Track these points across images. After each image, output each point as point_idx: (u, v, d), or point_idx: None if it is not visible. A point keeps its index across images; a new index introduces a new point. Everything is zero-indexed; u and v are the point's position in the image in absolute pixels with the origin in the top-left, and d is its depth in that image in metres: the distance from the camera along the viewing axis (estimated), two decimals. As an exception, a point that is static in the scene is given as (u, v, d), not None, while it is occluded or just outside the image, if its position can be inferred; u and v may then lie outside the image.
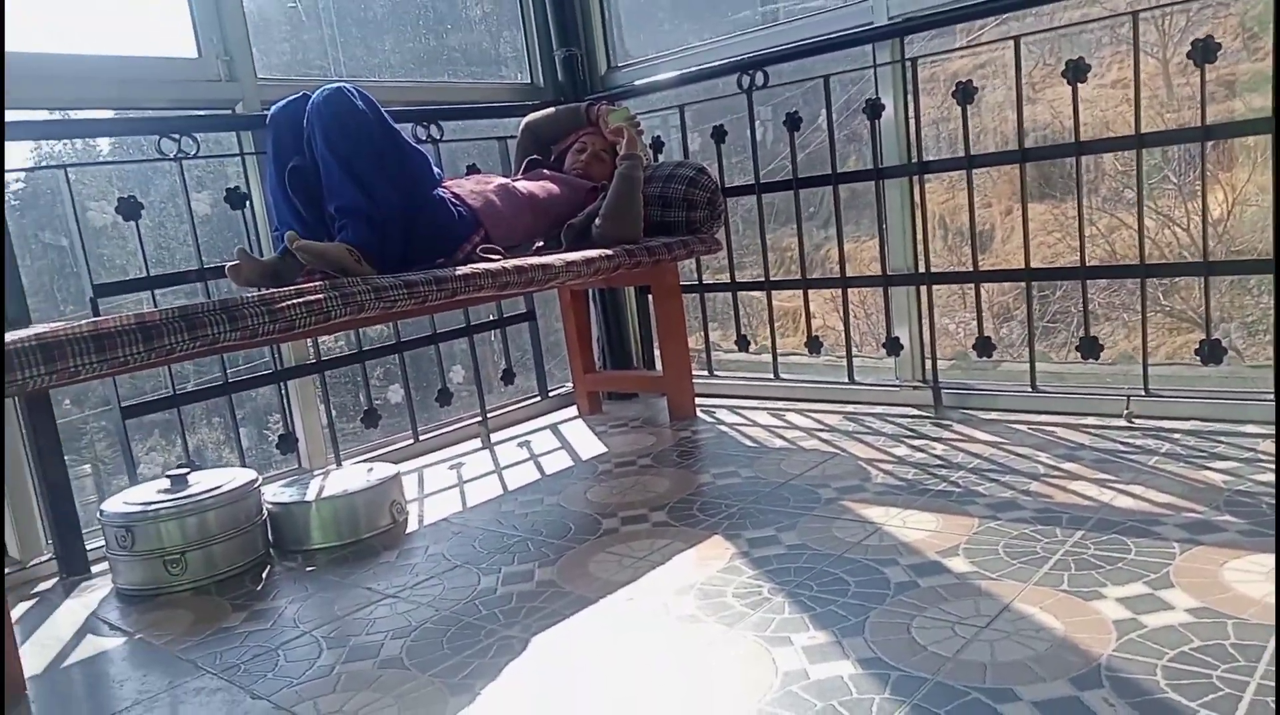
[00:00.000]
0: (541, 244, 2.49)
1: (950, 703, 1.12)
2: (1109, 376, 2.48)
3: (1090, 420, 2.24)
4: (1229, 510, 1.60)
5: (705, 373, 3.02)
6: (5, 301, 1.94)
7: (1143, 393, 2.22)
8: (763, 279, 2.81)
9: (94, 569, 2.03)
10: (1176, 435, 2.06)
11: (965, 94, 2.31)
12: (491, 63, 3.49)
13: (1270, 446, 1.91)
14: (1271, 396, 2.07)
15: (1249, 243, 3.86)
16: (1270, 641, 1.17)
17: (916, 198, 2.47)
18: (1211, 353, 2.12)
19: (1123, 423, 2.19)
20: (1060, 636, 1.25)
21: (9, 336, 1.42)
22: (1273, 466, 1.79)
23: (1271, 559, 1.40)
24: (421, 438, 2.74)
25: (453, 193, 2.20)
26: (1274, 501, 1.61)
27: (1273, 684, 1.08)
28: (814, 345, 2.74)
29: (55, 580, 2.01)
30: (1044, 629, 1.27)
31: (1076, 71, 2.15)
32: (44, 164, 2.43)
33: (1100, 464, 1.92)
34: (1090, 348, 2.26)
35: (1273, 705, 1.05)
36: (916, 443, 2.23)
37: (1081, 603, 1.34)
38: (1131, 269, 2.26)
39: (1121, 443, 2.05)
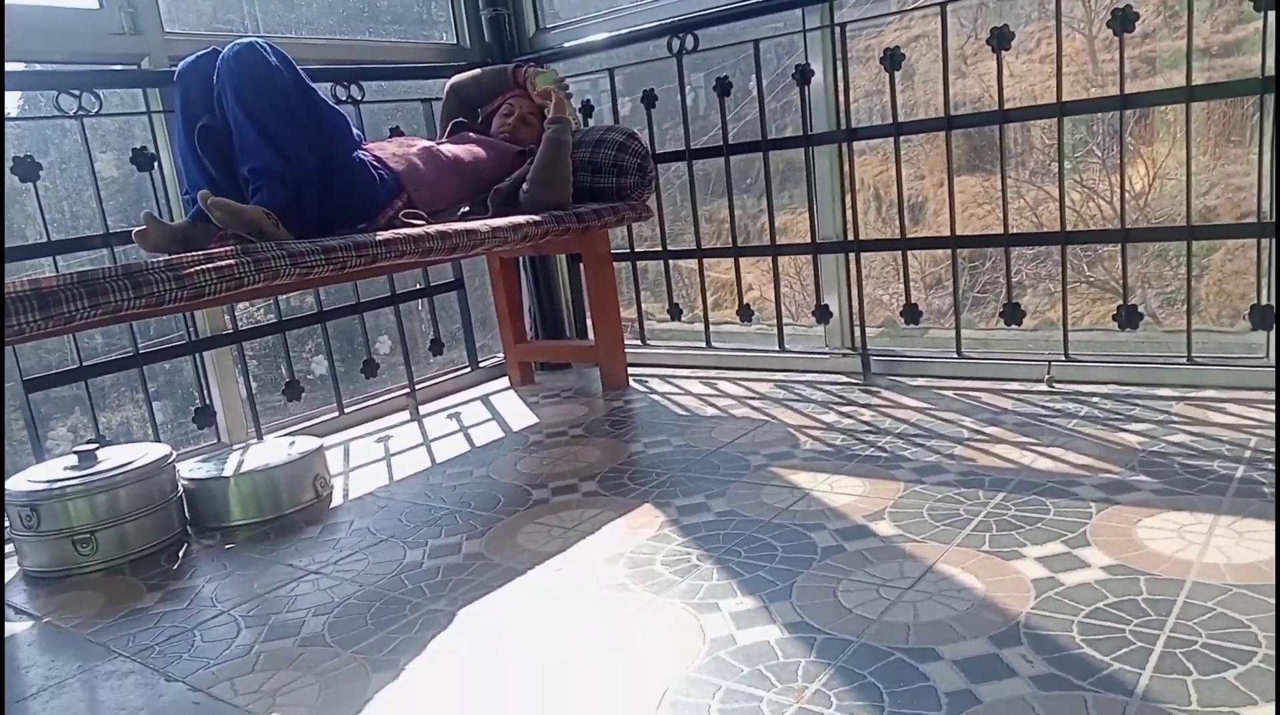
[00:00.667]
0: (468, 209, 2.43)
1: (874, 663, 1.13)
2: (1031, 343, 2.54)
3: (1013, 385, 2.29)
4: (1143, 470, 1.65)
5: (638, 342, 3.01)
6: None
7: (1063, 358, 2.28)
8: (694, 247, 2.80)
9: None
10: (1095, 398, 2.11)
11: (893, 60, 2.32)
12: (417, 22, 3.38)
13: (1184, 409, 1.97)
14: (1184, 359, 2.14)
15: (1168, 214, 3.97)
16: (1179, 597, 1.21)
17: (845, 165, 2.47)
18: (1128, 318, 2.18)
19: (1044, 387, 2.24)
20: (981, 596, 1.27)
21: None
22: (1186, 427, 1.85)
23: (1181, 517, 1.44)
24: (347, 411, 2.67)
25: (374, 155, 2.13)
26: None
27: (1182, 636, 1.12)
28: (745, 313, 2.74)
29: (-46, 563, 1.91)
30: (965, 589, 1.29)
31: (1001, 39, 2.17)
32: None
33: (1022, 427, 1.96)
34: (1013, 314, 2.30)
35: (1182, 656, 1.08)
36: (845, 409, 2.25)
37: (1002, 562, 1.36)
38: (1053, 236, 2.30)
39: (1043, 407, 2.10)
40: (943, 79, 2.29)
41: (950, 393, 2.29)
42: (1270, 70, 1.89)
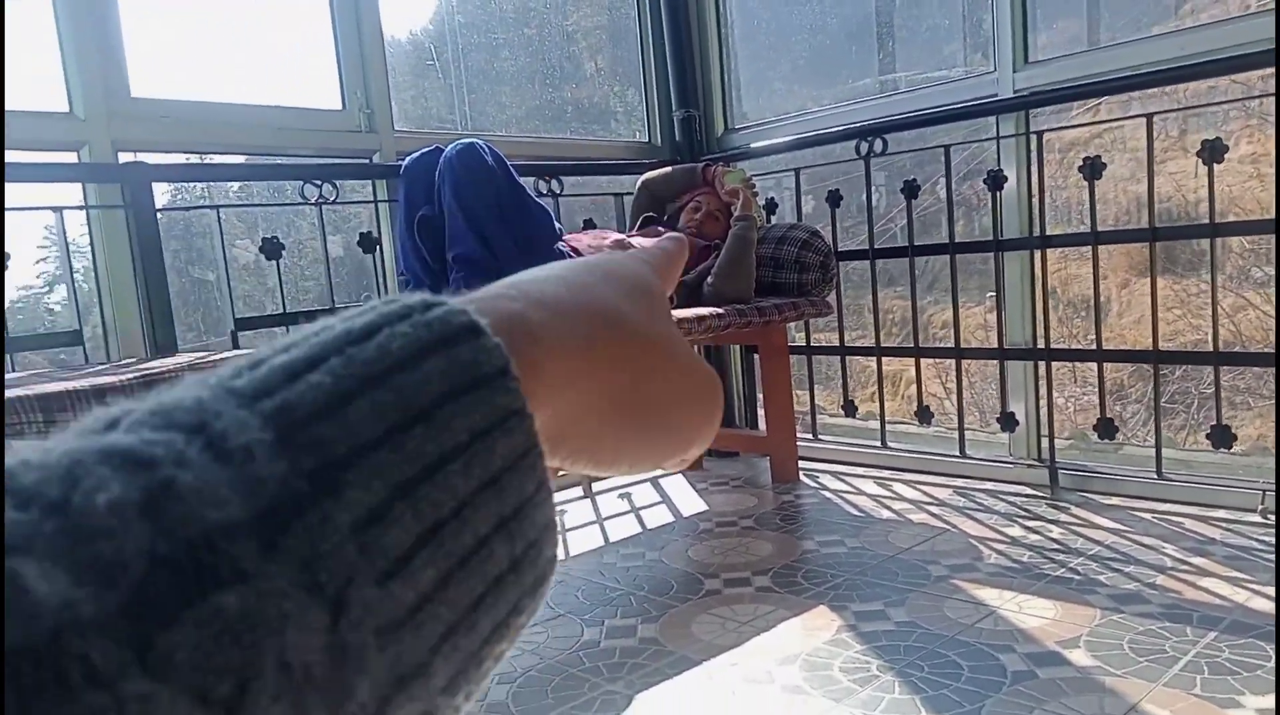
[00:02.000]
0: (654, 300, 2.53)
1: (1076, 806, 1.07)
2: (1240, 468, 2.35)
3: (1220, 512, 2.13)
4: (1381, 622, 1.50)
5: (809, 436, 2.99)
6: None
7: (1277, 487, 2.10)
8: (873, 345, 2.78)
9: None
10: (1318, 535, 1.94)
11: (1093, 169, 2.27)
12: (609, 119, 3.60)
13: None
14: None
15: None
16: None
17: (1037, 271, 2.42)
18: (1359, 449, 2.00)
19: (1257, 517, 2.07)
20: (1195, 745, 1.18)
21: (159, 364, 1.52)
22: None
23: None
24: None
25: (571, 247, 2.27)
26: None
27: None
28: (924, 415, 2.69)
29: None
30: (1177, 735, 1.21)
31: (1214, 152, 2.09)
32: (201, 204, 2.60)
33: (1233, 561, 1.82)
34: (1222, 436, 2.16)
35: None
36: (1032, 524, 2.15)
37: (1216, 710, 1.26)
38: (1266, 357, 2.15)
39: (1256, 540, 1.94)
40: (1148, 190, 2.22)
41: (1148, 516, 2.15)
42: None
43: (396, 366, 0.19)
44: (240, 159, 2.56)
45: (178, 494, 0.15)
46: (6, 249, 1.84)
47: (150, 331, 2.10)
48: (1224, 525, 2.04)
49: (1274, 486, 2.08)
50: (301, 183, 2.35)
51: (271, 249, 2.29)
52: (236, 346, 2.17)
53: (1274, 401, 2.17)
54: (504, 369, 0.20)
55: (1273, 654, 1.41)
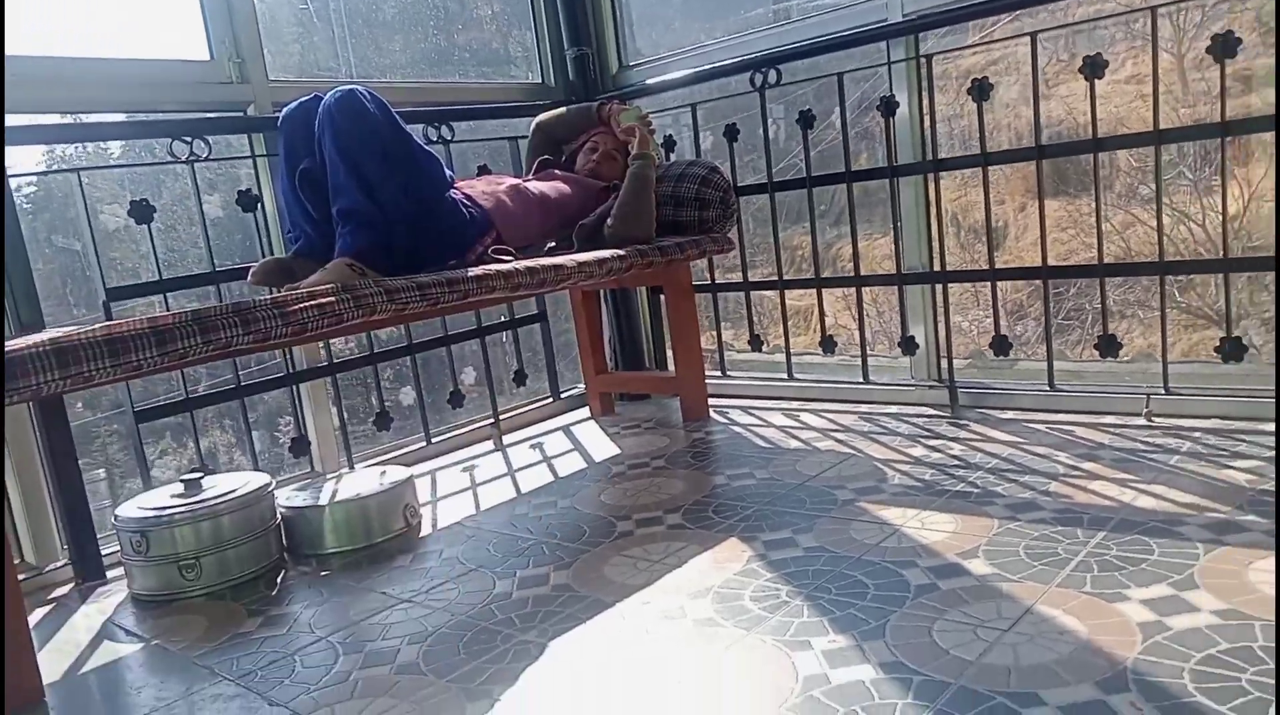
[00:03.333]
0: (554, 244, 2.48)
1: (974, 708, 1.11)
2: (1127, 375, 2.45)
3: (1109, 419, 2.22)
4: (1253, 510, 1.58)
5: (718, 373, 3.01)
6: (4, 304, 1.94)
7: (1162, 391, 2.20)
8: (776, 278, 2.79)
9: (109, 574, 2.03)
10: (1197, 433, 2.03)
11: (981, 91, 2.29)
12: (501, 62, 3.48)
13: (1294, 445, 1.88)
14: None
15: (1266, 239, 3.81)
16: (1301, 645, 1.15)
17: (931, 195, 2.45)
18: (1233, 350, 2.10)
19: (1142, 421, 2.17)
20: (1084, 639, 1.23)
21: (23, 341, 1.41)
22: (1297, 465, 1.77)
23: (1299, 560, 1.38)
24: (434, 440, 2.73)
25: (464, 194, 2.19)
26: (1275, 503, 1.58)
27: (1305, 689, 1.07)
28: (828, 345, 2.72)
29: (71, 585, 2.01)
30: (1067, 632, 1.25)
31: (1094, 68, 2.13)
32: (56, 168, 2.43)
33: (1120, 463, 1.90)
34: (1109, 346, 2.24)
35: (1305, 711, 1.03)
36: (933, 443, 2.21)
37: (1105, 605, 1.32)
38: (1150, 266, 2.23)
39: (1141, 442, 2.03)
40: (1034, 108, 2.25)
41: (1042, 427, 2.23)
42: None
43: None
44: (105, 118, 2.39)
45: None
46: None
47: (12, 308, 1.96)
48: (1112, 431, 2.13)
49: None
50: (170, 140, 2.21)
51: (141, 213, 2.16)
52: (109, 317, 2.05)
53: (1158, 313, 2.25)
54: None
55: (1156, 549, 1.47)
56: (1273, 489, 1.66)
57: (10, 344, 1.41)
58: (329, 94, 2.00)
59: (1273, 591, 1.29)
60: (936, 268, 2.48)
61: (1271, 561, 1.38)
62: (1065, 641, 1.23)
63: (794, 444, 2.36)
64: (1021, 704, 1.10)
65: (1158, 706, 1.06)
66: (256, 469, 2.30)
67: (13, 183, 1.99)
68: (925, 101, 2.40)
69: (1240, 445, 1.92)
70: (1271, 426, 2.01)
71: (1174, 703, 1.07)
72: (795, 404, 2.77)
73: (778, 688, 1.21)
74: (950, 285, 2.47)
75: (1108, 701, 1.08)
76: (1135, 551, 1.47)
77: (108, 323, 1.50)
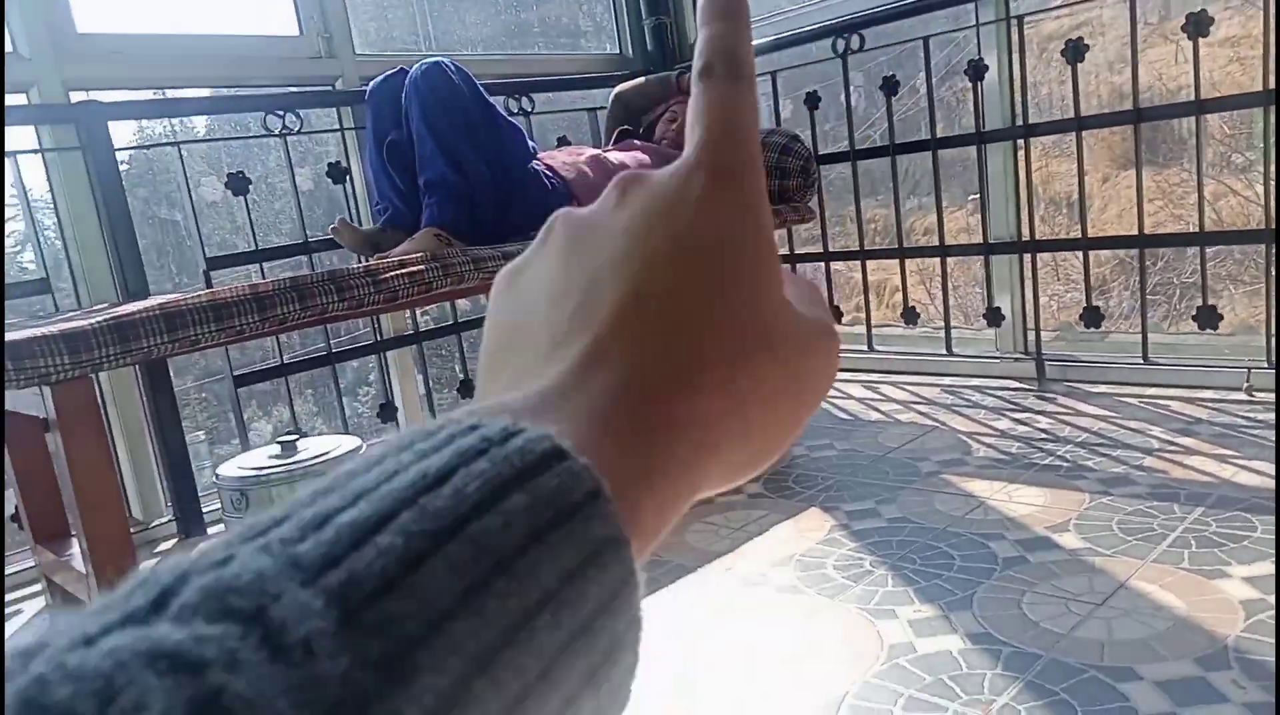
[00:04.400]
0: (633, 215, 2.49)
1: (1066, 680, 1.09)
2: (1226, 348, 2.36)
3: (1207, 394, 2.14)
4: (1365, 489, 1.51)
5: (796, 344, 2.98)
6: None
7: (1264, 364, 2.11)
8: (857, 248, 2.75)
9: (210, 531, 2.13)
10: (1304, 409, 1.95)
11: (1075, 52, 2.21)
12: (579, 34, 3.49)
13: None
14: None
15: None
16: None
17: (1020, 162, 2.38)
18: (1344, 323, 2.00)
19: (1243, 396, 2.09)
20: (1182, 615, 1.20)
21: (132, 307, 1.49)
22: None
23: None
24: (514, 408, 2.77)
25: (546, 165, 2.21)
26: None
27: None
28: (910, 316, 2.68)
29: (175, 541, 2.11)
30: (1164, 607, 1.23)
31: (1198, 25, 2.03)
32: (158, 141, 2.53)
33: (1219, 439, 1.84)
34: (1208, 317, 2.15)
35: None
36: (1019, 416, 2.16)
37: (1204, 581, 1.28)
38: (1255, 234, 2.13)
39: (1242, 417, 1.95)
40: (1132, 69, 2.16)
41: (1135, 401, 2.16)
42: None
43: (474, 512, 0.16)
44: (200, 93, 2.48)
45: (226, 708, 0.13)
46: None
47: (120, 276, 2.06)
48: (1210, 405, 2.06)
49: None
50: (264, 114, 2.28)
51: (238, 185, 2.23)
52: (209, 286, 2.13)
53: (1263, 282, 2.15)
54: (595, 492, 0.18)
55: (1259, 526, 1.43)
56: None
57: (120, 309, 1.49)
58: (415, 67, 2.03)
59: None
60: (1024, 237, 2.41)
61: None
62: (1162, 617, 1.20)
63: (875, 416, 2.33)
64: (1116, 678, 1.08)
65: (1262, 685, 1.04)
66: (346, 432, 2.37)
67: (124, 160, 2.08)
68: (1016, 65, 2.32)
69: (1350, 422, 1.84)
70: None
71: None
72: (875, 376, 2.74)
73: (863, 655, 1.21)
74: (1035, 260, 2.40)
75: (1208, 678, 1.06)
76: (1236, 528, 1.43)
77: (211, 289, 1.56)
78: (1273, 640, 1.12)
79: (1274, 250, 2.04)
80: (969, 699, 1.08)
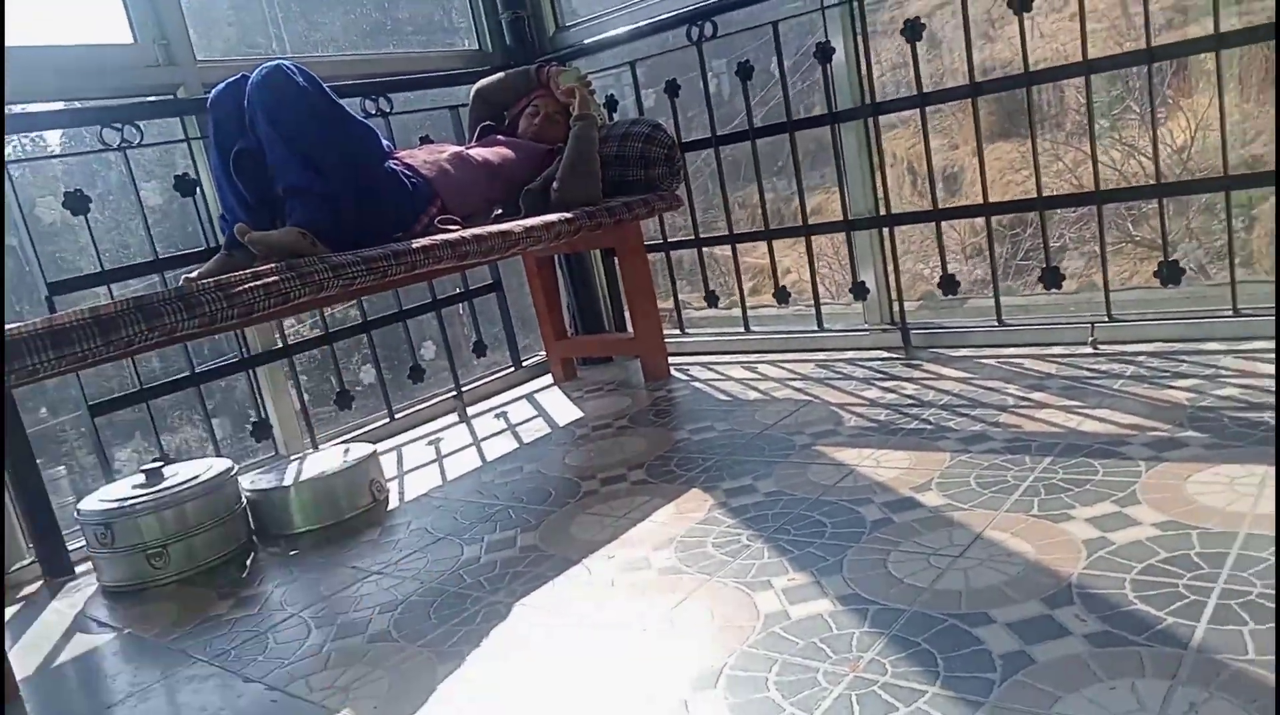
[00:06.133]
0: (500, 211, 2.47)
1: (928, 630, 1.15)
2: (1073, 306, 2.51)
3: (1057, 350, 2.27)
4: (1192, 426, 1.64)
5: (677, 332, 3.03)
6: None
7: (1106, 319, 2.25)
8: (726, 233, 2.81)
9: (78, 569, 2.02)
10: (1140, 357, 2.09)
11: (913, 31, 2.31)
12: (438, 30, 3.44)
13: (1232, 362, 1.94)
14: (1230, 312, 2.11)
15: (1212, 166, 3.90)
16: (1233, 549, 1.21)
17: (873, 140, 2.47)
18: (1170, 274, 2.15)
19: (1088, 350, 2.22)
20: (1032, 560, 1.28)
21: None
22: (1234, 381, 1.83)
23: (1232, 470, 1.43)
24: (397, 416, 2.73)
25: (405, 164, 2.17)
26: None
27: (1237, 588, 1.12)
28: (782, 296, 2.75)
29: (39, 583, 2.00)
30: (1016, 554, 1.30)
31: (1022, 1, 2.15)
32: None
33: (1067, 391, 1.95)
34: (1053, 278, 2.28)
35: (1237, 607, 1.08)
36: (888, 384, 2.25)
37: (1051, 525, 1.36)
38: (1088, 196, 2.27)
39: (1087, 369, 2.08)
40: (965, 45, 2.27)
41: (993, 362, 2.28)
42: (1302, 11, 1.85)
43: None
44: (29, 108, 2.33)
45: None
46: None
47: (-49, 309, 1.92)
48: (1060, 361, 2.18)
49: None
50: (100, 128, 2.16)
51: (77, 203, 2.12)
52: (52, 311, 2.01)
53: (1098, 241, 2.30)
54: None
55: (1101, 470, 1.53)
56: (1210, 405, 1.72)
57: (-50, 344, 1.39)
58: (255, 72, 1.96)
59: (1211, 501, 1.35)
60: (882, 212, 2.51)
61: (1209, 474, 1.44)
62: (1013, 563, 1.28)
63: (753, 395, 2.39)
64: (972, 624, 1.14)
65: (1101, 616, 1.11)
66: (218, 455, 2.29)
67: (-61, 181, 1.94)
68: (860, 45, 2.41)
69: (1181, 366, 1.98)
70: (1210, 345, 2.07)
71: (1116, 612, 1.12)
72: (754, 357, 2.80)
73: (740, 627, 1.24)
74: (912, 232, 2.51)
75: (1054, 615, 1.13)
76: (1080, 473, 1.52)
77: (49, 316, 1.48)
78: (1111, 575, 1.20)
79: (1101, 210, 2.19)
80: (838, 658, 1.13)
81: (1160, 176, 2.15)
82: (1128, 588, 1.16)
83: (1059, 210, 3.41)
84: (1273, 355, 1.93)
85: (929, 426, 1.89)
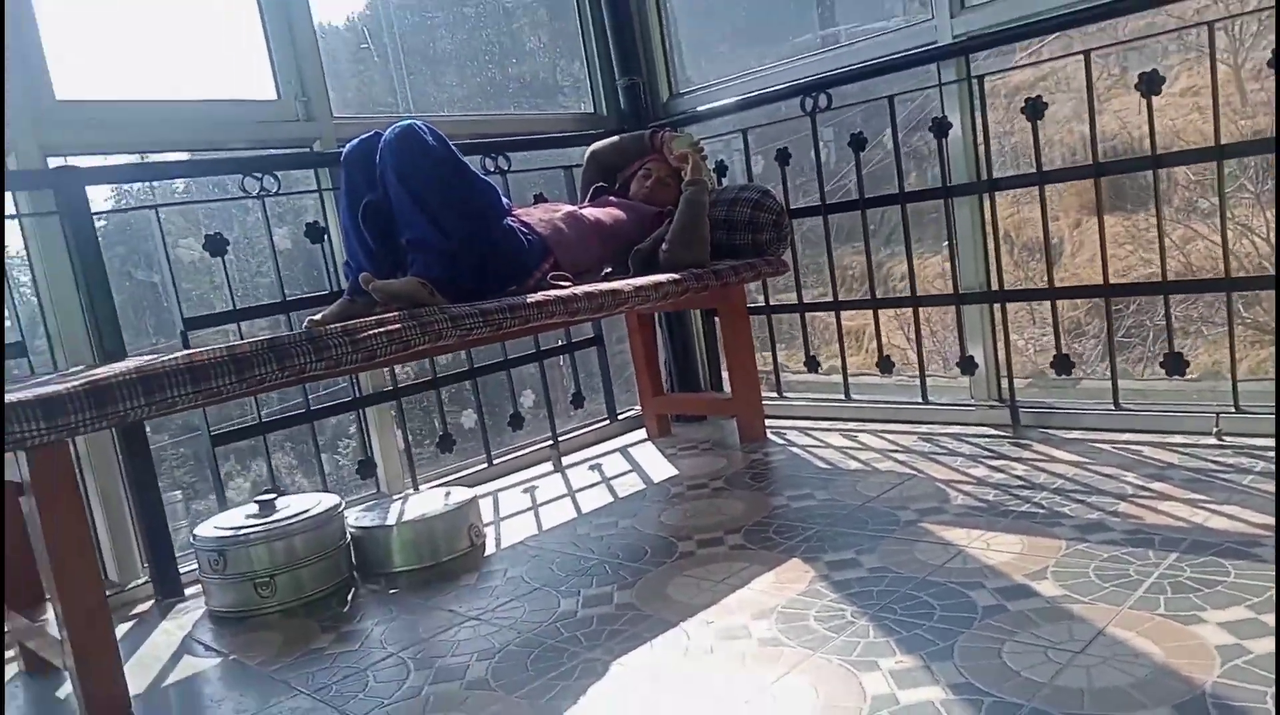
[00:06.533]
0: (610, 270, 2.52)
1: (1048, 729, 1.10)
2: (1195, 393, 2.40)
3: (1177, 438, 2.18)
4: (1333, 530, 1.54)
5: (774, 394, 3.01)
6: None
7: (1233, 409, 2.15)
8: (831, 299, 2.80)
9: (187, 591, 2.10)
10: (1270, 452, 1.99)
11: (1035, 110, 2.28)
12: (554, 93, 3.56)
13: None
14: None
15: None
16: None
17: (987, 215, 2.44)
18: (1305, 366, 2.05)
19: (1213, 441, 2.12)
20: (1160, 662, 1.21)
21: (108, 370, 1.48)
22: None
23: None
24: (495, 462, 2.77)
25: (521, 221, 2.24)
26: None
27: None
28: (885, 365, 2.72)
29: (151, 602, 2.08)
30: (1142, 654, 1.24)
31: (1150, 84, 2.11)
32: (131, 204, 2.54)
33: (1191, 484, 1.86)
34: (1175, 364, 2.20)
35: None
36: (995, 463, 2.19)
37: (1181, 627, 1.30)
38: (1215, 283, 2.19)
39: (1212, 461, 1.99)
40: (1090, 125, 2.24)
41: (1108, 447, 2.19)
42: None
43: None
44: (178, 156, 2.50)
45: None
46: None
47: (97, 338, 2.05)
48: (1181, 450, 2.09)
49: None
50: (241, 176, 2.30)
51: (216, 246, 2.25)
52: (186, 345, 2.13)
53: (1223, 329, 2.21)
54: None
55: (1232, 571, 1.45)
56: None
57: (96, 373, 1.49)
58: (388, 130, 2.07)
59: (1356, 613, 1.26)
60: (994, 287, 2.46)
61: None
62: (1140, 664, 1.21)
63: (853, 465, 2.35)
64: (1097, 726, 1.09)
65: (1239, 729, 1.04)
66: (325, 490, 2.36)
67: (102, 222, 2.09)
68: (979, 121, 2.40)
69: (1316, 464, 1.88)
70: (1349, 444, 1.95)
71: (1256, 726, 1.05)
72: (853, 425, 2.76)
73: (845, 708, 1.21)
74: (1005, 309, 2.45)
75: (1186, 724, 1.07)
76: (1210, 573, 1.45)
77: (188, 352, 1.56)
78: (1250, 686, 1.13)
79: (1231, 297, 2.10)
80: (952, 751, 1.08)
81: (1296, 264, 2.06)
82: (1269, 702, 1.09)
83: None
84: None
85: (1041, 510, 1.83)
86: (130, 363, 1.63)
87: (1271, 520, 1.62)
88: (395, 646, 1.63)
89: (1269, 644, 1.22)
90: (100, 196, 2.60)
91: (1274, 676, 1.14)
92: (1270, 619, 1.28)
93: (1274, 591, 1.36)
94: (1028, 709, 1.14)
